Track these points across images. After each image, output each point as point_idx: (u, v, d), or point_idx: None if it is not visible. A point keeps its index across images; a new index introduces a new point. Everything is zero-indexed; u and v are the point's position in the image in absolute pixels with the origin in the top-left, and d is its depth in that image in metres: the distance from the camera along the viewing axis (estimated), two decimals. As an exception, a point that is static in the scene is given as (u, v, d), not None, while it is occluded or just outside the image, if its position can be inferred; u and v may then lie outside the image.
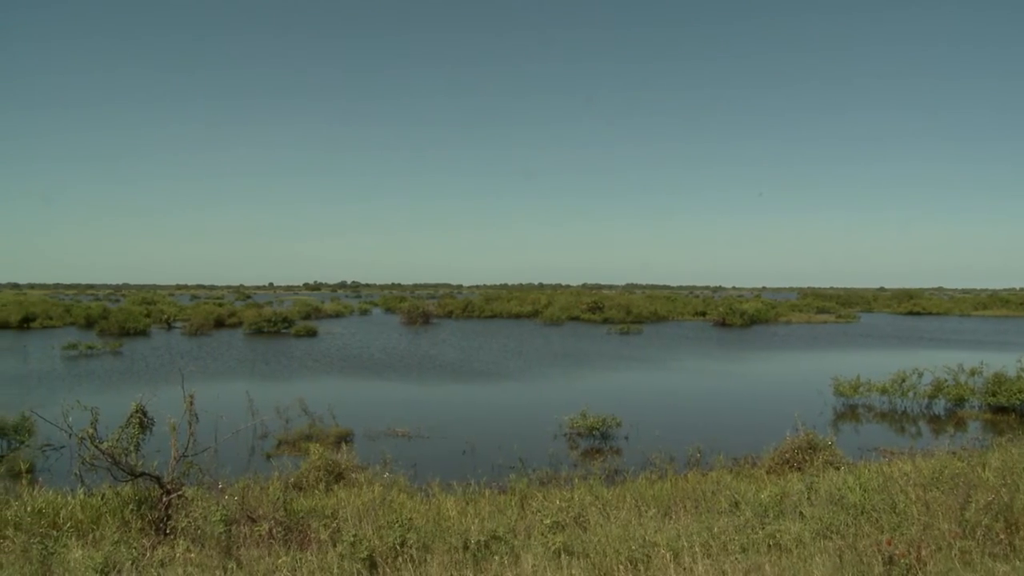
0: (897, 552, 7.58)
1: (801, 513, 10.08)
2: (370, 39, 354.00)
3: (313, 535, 9.45)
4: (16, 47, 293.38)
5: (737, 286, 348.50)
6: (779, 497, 11.06)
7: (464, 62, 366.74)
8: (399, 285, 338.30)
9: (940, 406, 27.47)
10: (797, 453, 15.98)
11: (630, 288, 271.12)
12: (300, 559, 8.45)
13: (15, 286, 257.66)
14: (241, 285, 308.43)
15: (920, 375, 27.81)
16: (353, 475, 14.84)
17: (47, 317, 74.38)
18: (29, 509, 10.78)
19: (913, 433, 23.66)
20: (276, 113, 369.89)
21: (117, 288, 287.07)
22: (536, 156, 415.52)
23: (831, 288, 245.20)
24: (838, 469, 14.40)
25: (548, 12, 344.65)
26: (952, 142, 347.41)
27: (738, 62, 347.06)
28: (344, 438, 21.00)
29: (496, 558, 8.52)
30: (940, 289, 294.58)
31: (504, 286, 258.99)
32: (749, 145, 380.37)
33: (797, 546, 8.66)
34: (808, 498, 10.92)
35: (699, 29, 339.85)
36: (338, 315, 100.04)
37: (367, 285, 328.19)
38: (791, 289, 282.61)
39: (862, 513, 9.72)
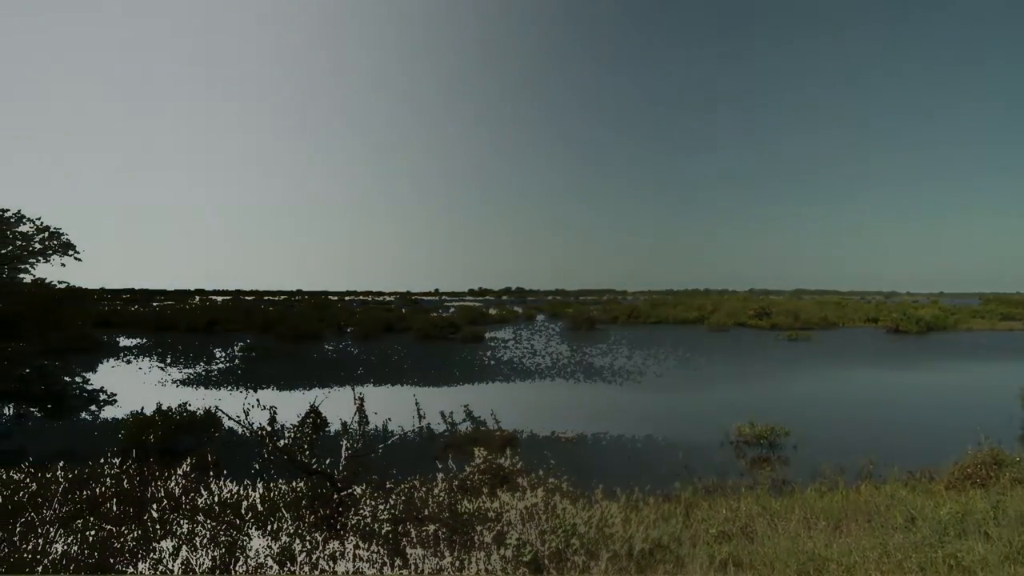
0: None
1: (986, 533, 9.45)
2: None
3: (477, 537, 9.53)
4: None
5: (912, 291, 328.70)
6: (960, 515, 10.42)
7: (646, 66, 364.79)
8: (563, 291, 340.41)
9: None
10: (980, 468, 14.94)
11: (798, 294, 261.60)
12: (465, 560, 8.54)
13: (200, 292, 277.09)
14: (408, 291, 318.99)
15: None
16: (517, 479, 14.93)
17: (229, 321, 79.34)
18: (216, 499, 11.49)
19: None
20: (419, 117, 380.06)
21: (292, 294, 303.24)
22: (706, 159, 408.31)
23: (1017, 293, 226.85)
24: (1028, 488, 13.31)
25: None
26: None
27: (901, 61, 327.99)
28: (509, 442, 21.17)
29: (660, 567, 8.35)
30: None
31: (669, 292, 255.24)
32: (913, 142, 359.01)
33: (983, 569, 8.09)
34: (994, 517, 10.22)
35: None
36: (503, 321, 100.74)
37: (531, 291, 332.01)
38: (972, 294, 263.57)
39: (1059, 537, 8.89)
